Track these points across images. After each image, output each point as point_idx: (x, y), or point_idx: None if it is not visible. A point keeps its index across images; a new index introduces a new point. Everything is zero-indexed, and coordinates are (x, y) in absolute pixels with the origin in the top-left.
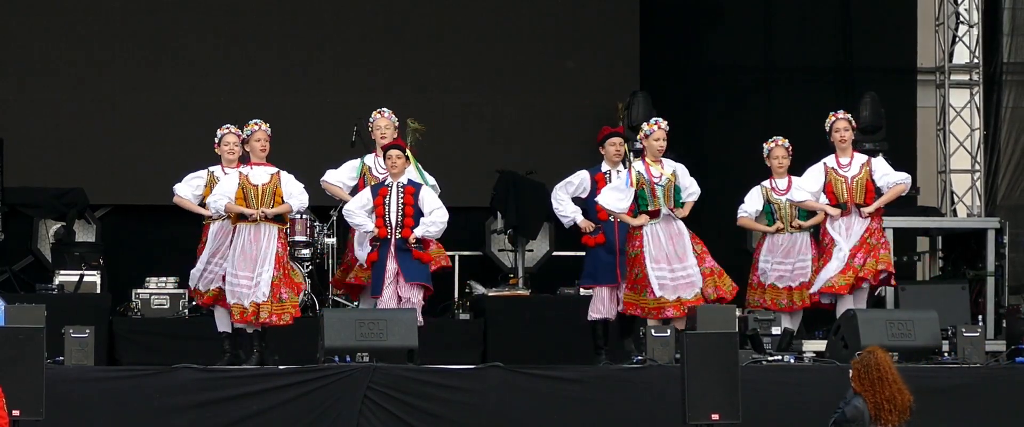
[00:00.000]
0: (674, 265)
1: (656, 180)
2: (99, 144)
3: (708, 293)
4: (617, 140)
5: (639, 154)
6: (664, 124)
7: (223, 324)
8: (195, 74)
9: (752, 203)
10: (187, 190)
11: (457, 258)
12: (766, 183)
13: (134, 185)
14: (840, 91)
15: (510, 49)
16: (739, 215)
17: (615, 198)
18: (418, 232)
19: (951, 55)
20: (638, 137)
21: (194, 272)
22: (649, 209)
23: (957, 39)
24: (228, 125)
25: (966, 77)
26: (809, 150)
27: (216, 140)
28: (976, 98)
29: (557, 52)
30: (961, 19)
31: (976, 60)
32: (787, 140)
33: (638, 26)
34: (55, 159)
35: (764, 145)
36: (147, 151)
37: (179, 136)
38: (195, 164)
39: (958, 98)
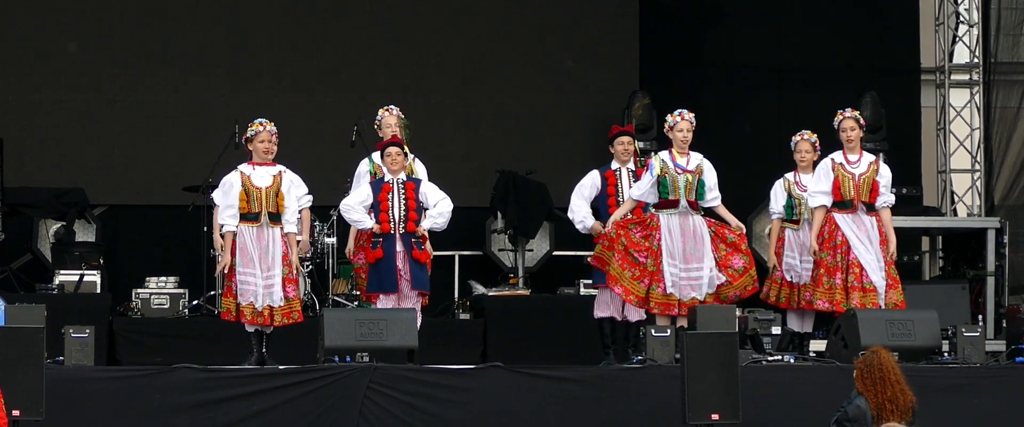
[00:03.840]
0: (683, 264)
1: (679, 171)
2: (99, 144)
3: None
4: (626, 139)
5: (647, 155)
6: (689, 116)
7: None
8: (195, 74)
9: (776, 202)
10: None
11: (457, 258)
12: (789, 176)
13: (134, 185)
14: (841, 91)
15: (510, 49)
16: (772, 219)
17: (636, 188)
18: (426, 225)
19: (951, 55)
20: (664, 128)
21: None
22: (670, 198)
23: (957, 39)
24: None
25: (966, 77)
26: None
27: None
28: (976, 98)
29: (557, 52)
30: (961, 19)
31: (976, 60)
32: (815, 135)
33: (638, 26)
34: (55, 159)
35: (793, 138)
36: (147, 151)
37: (179, 136)
38: (194, 164)
39: (958, 98)
